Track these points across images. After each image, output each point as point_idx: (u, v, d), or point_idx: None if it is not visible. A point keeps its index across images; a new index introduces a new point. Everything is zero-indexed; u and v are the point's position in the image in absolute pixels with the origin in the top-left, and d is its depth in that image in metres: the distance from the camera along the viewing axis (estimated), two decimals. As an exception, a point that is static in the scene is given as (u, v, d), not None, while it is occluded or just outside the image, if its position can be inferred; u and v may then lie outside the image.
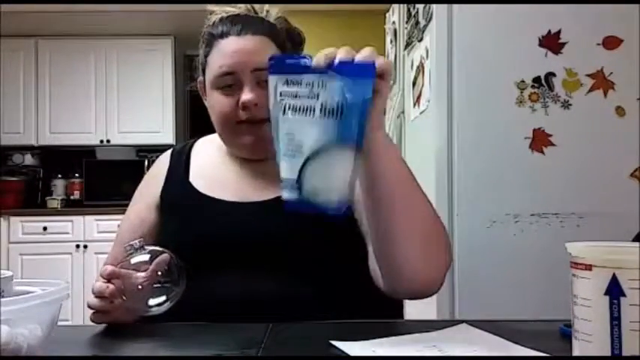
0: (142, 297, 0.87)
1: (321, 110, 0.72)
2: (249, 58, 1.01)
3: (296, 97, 0.73)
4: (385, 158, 0.83)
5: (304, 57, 0.75)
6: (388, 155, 0.83)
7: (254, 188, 1.06)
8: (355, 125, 0.71)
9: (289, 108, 0.74)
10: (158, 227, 1.09)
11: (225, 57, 1.02)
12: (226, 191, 1.06)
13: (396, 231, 0.84)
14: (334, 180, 0.71)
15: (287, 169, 0.74)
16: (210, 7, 1.11)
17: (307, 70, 0.73)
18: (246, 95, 1.00)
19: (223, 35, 1.03)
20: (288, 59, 0.76)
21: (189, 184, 1.10)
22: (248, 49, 1.01)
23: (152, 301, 0.87)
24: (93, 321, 0.89)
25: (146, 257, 0.88)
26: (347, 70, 0.73)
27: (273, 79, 0.75)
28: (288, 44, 1.10)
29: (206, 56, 1.06)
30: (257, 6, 1.13)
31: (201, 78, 1.11)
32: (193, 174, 1.12)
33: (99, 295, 0.86)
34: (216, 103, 1.04)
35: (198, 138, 1.21)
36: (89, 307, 0.88)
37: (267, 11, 1.12)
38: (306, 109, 0.72)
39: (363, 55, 0.77)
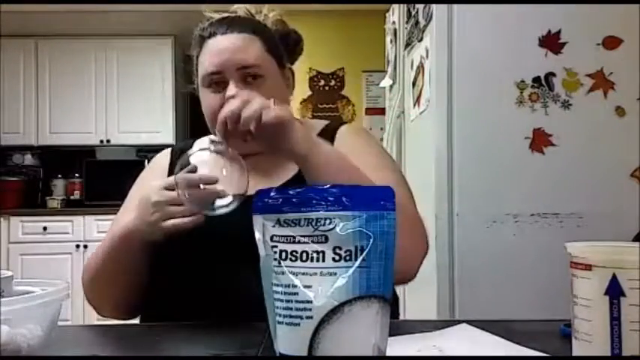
0: (206, 198, 0.87)
1: (334, 255, 0.54)
2: (234, 56, 1.03)
3: (295, 241, 0.55)
4: (325, 173, 0.86)
5: (298, 188, 0.57)
6: (329, 169, 0.87)
7: (252, 183, 1.06)
8: (381, 269, 0.54)
9: (286, 257, 0.55)
10: None
11: (211, 56, 1.05)
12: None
13: None
14: (358, 345, 0.54)
15: (287, 343, 0.55)
16: (207, 12, 1.14)
17: (305, 204, 0.55)
18: (230, 91, 1.02)
19: (210, 35, 1.06)
20: (277, 193, 0.57)
21: None
22: (232, 47, 1.04)
23: (218, 202, 0.88)
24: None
25: (206, 156, 0.89)
26: (360, 200, 0.55)
27: (258, 219, 0.58)
28: (280, 46, 1.12)
29: (197, 57, 1.09)
30: (253, 9, 1.15)
31: (196, 81, 1.13)
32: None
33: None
34: (204, 101, 1.07)
35: (197, 138, 1.22)
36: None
37: (265, 14, 1.15)
38: (312, 256, 0.54)
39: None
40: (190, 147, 1.19)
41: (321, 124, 1.19)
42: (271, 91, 1.04)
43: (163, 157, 1.19)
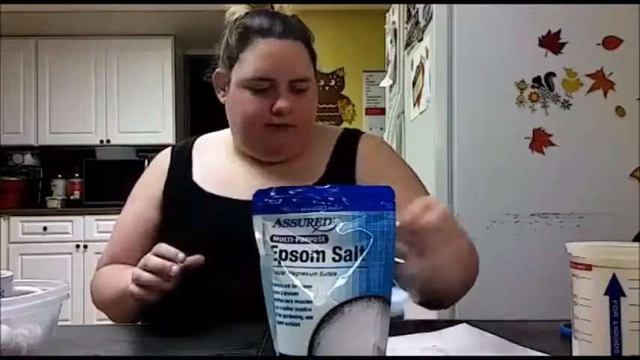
0: None
1: (334, 255, 0.54)
2: (288, 66, 0.99)
3: (295, 241, 0.55)
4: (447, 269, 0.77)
5: (298, 188, 0.56)
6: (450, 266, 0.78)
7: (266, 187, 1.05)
8: (381, 269, 0.54)
9: (286, 257, 0.55)
10: (159, 225, 1.09)
11: (264, 60, 0.99)
12: (235, 189, 1.04)
13: (442, 283, 0.81)
14: (358, 345, 0.53)
15: (287, 343, 0.55)
16: (231, 7, 1.08)
17: (305, 204, 0.55)
18: (282, 103, 0.99)
19: (264, 34, 1.00)
20: (277, 193, 0.56)
21: (193, 182, 1.09)
22: (288, 57, 1.00)
23: None
24: (136, 296, 0.88)
25: None
26: (360, 200, 0.54)
27: (258, 219, 0.57)
28: (315, 54, 1.07)
29: (240, 51, 1.01)
30: (276, 6, 1.09)
31: (222, 71, 1.07)
32: (197, 172, 1.10)
33: (155, 270, 0.86)
34: (244, 103, 1.01)
35: (198, 136, 1.21)
36: (138, 283, 0.87)
37: (281, 7, 1.09)
38: (312, 256, 0.54)
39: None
40: (191, 145, 1.18)
41: (338, 130, 1.15)
42: (312, 103, 1.04)
43: (163, 158, 1.17)
